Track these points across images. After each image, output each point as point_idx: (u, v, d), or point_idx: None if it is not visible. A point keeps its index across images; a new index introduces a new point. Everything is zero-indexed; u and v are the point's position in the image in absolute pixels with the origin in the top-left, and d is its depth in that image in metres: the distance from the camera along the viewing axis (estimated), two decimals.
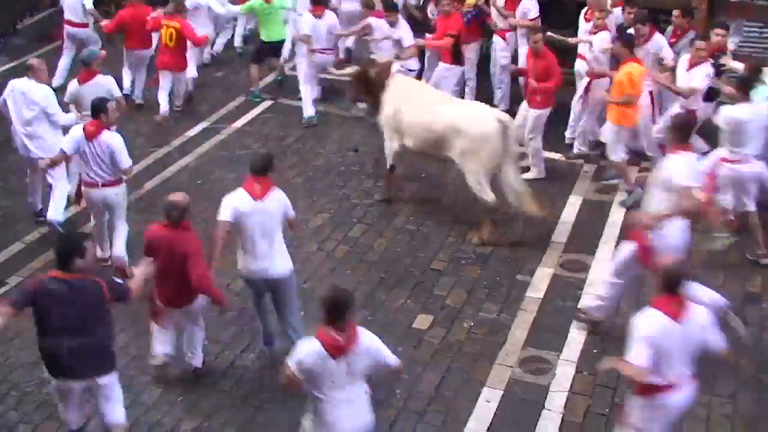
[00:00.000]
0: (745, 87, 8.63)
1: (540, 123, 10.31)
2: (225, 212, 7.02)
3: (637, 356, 5.48)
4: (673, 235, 7.09)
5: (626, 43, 9.58)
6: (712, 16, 11.23)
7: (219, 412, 7.05)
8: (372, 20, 11.88)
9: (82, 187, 8.88)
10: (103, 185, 8.49)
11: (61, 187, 9.31)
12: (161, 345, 7.29)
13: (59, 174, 9.29)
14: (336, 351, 5.43)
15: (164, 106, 12.07)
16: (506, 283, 8.61)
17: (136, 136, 11.67)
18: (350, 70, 10.72)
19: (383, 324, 8.02)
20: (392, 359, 5.74)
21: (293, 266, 7.33)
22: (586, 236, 9.33)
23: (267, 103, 12.94)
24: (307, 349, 5.48)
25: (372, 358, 5.59)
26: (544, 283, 8.57)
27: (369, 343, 5.58)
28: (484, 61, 12.48)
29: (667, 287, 5.61)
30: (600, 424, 6.83)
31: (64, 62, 13.12)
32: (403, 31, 11.71)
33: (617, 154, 9.76)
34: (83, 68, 9.72)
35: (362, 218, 9.82)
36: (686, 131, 7.34)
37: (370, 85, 10.11)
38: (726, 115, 8.56)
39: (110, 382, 6.28)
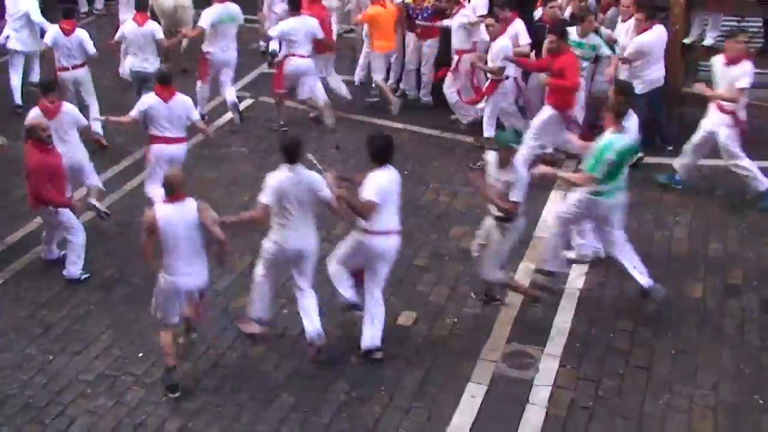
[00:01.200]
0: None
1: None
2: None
3: (131, 114, 9.41)
4: None
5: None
6: (690, 11, 11.28)
7: (203, 412, 7.04)
8: None
9: (58, 73, 11.35)
10: (73, 68, 11.36)
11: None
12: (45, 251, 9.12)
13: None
14: (49, 115, 8.92)
15: None
16: None
17: (117, 135, 11.62)
18: None
19: None
20: (84, 121, 9.52)
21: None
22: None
23: (248, 102, 12.93)
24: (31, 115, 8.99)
25: (73, 119, 9.21)
26: (526, 279, 8.59)
27: (68, 109, 9.22)
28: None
29: (160, 81, 9.46)
30: (583, 418, 6.86)
31: None
32: None
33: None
34: None
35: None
36: None
37: None
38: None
39: None
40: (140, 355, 7.70)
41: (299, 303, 7.56)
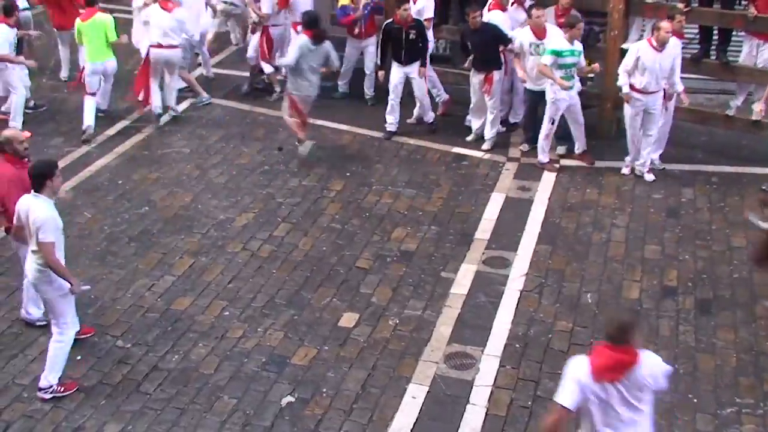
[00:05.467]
0: None
1: None
2: None
3: None
4: None
5: None
6: (628, 17, 11.49)
7: (143, 416, 6.96)
8: None
9: None
10: None
11: None
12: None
13: None
14: None
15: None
16: (431, 280, 8.70)
17: (55, 134, 11.48)
18: None
19: (309, 323, 8.04)
20: None
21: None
22: (508, 233, 9.47)
23: (188, 102, 12.81)
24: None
25: None
26: (467, 280, 8.68)
27: None
28: None
29: None
30: (523, 417, 6.95)
31: None
32: None
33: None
34: None
35: (287, 217, 9.79)
36: None
37: None
38: None
39: None
40: (78, 358, 7.58)
41: None
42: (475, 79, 11.25)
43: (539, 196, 10.27)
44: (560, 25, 11.09)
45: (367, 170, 10.88)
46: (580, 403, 5.27)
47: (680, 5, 10.74)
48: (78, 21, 11.39)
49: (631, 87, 10.21)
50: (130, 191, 10.26)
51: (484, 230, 9.55)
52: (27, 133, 7.88)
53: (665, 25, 9.97)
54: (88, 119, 11.51)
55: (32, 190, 6.90)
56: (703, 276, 8.74)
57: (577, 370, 5.29)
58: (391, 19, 11.50)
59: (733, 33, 11.57)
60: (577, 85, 10.69)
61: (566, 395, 5.27)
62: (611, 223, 9.69)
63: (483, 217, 9.78)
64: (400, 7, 11.22)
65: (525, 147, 11.28)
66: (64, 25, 12.59)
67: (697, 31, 11.93)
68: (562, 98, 10.43)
